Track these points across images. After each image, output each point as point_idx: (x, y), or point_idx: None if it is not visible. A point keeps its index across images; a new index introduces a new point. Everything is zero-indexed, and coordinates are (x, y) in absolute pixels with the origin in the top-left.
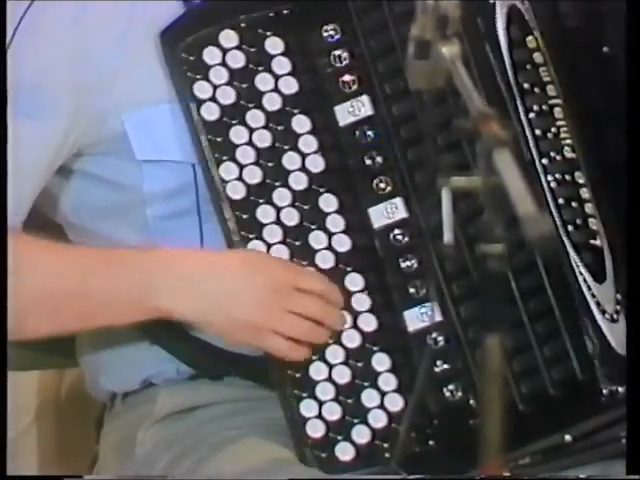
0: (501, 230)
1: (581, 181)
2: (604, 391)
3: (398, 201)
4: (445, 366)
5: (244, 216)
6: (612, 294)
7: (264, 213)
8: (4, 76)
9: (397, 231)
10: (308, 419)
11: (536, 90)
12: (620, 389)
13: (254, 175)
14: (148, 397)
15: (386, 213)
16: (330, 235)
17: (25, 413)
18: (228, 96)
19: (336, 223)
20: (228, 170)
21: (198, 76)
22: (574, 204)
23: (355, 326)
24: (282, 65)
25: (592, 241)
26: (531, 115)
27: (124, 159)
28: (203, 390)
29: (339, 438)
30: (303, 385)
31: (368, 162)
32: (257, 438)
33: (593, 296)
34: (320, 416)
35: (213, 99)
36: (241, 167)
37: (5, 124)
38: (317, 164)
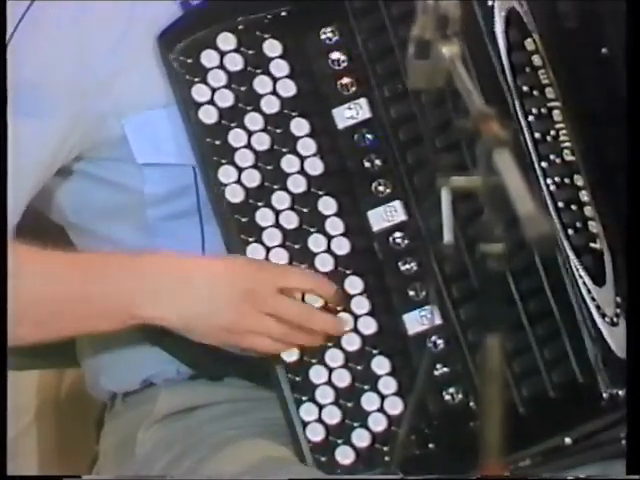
0: (501, 230)
1: (580, 184)
2: (604, 394)
3: (397, 204)
4: (445, 369)
5: (243, 219)
6: (612, 297)
7: (263, 216)
8: (4, 76)
9: (396, 234)
10: (308, 423)
11: (535, 93)
12: (620, 392)
13: (253, 178)
14: (148, 397)
15: (385, 216)
16: (329, 238)
17: (25, 413)
18: (226, 99)
19: (335, 226)
20: (227, 173)
21: (196, 79)
22: (574, 207)
23: (355, 329)
24: (280, 68)
25: (592, 244)
26: (530, 118)
27: (125, 162)
28: (203, 390)
29: (339, 442)
30: (303, 389)
31: (367, 165)
32: (257, 438)
33: (593, 299)
34: (320, 420)
35: (211, 102)
36: (240, 170)
37: (5, 124)
38: (316, 167)
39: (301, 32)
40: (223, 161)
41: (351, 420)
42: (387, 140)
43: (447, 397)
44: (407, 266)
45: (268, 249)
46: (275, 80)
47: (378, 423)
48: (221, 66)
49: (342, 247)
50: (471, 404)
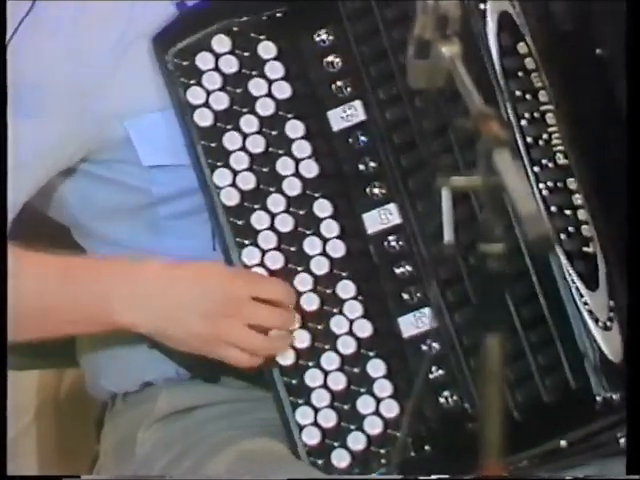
0: (501, 230)
1: (574, 187)
2: (598, 398)
3: (392, 207)
4: (440, 372)
5: (238, 222)
6: (605, 301)
7: (258, 219)
8: (4, 76)
9: (391, 237)
10: (304, 426)
11: (527, 97)
12: (614, 396)
13: (248, 181)
14: (148, 396)
15: (380, 219)
16: (325, 241)
17: (25, 413)
18: (221, 101)
19: (330, 229)
20: (222, 176)
21: (191, 82)
22: (567, 211)
23: (350, 332)
24: (275, 70)
25: (585, 248)
26: (522, 122)
27: (130, 163)
28: (203, 390)
29: (335, 445)
30: (299, 392)
31: (362, 167)
32: (256, 437)
33: (586, 304)
34: (316, 423)
35: (206, 105)
36: (235, 173)
37: (5, 124)
38: (311, 169)
39: (296, 34)
40: (218, 164)
41: (347, 423)
42: (382, 142)
43: (442, 400)
44: (402, 269)
45: (263, 252)
46: (270, 82)
47: (374, 426)
48: (216, 68)
49: (337, 250)
50: (466, 406)
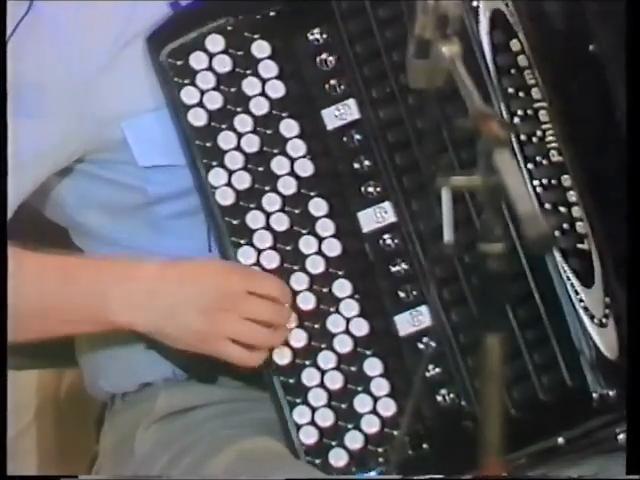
0: (501, 230)
1: (568, 184)
2: (594, 395)
3: (387, 205)
4: (437, 370)
5: (234, 222)
6: (601, 298)
7: (254, 219)
8: (4, 76)
9: (387, 235)
10: (301, 426)
11: (521, 94)
12: (611, 393)
13: (243, 180)
14: (148, 396)
15: (375, 217)
16: (320, 240)
17: (25, 412)
18: (215, 101)
19: (326, 227)
20: (217, 176)
21: (185, 81)
22: (561, 208)
23: (347, 331)
24: (269, 69)
25: (579, 245)
26: (516, 120)
27: (127, 164)
28: (201, 391)
29: (332, 444)
30: (296, 391)
31: (356, 166)
32: (255, 437)
33: (581, 301)
34: (313, 422)
35: (200, 104)
36: (230, 173)
37: (5, 124)
38: (306, 168)
39: (289, 33)
40: (213, 163)
41: (344, 422)
42: (376, 141)
43: (439, 398)
44: (398, 267)
45: (259, 251)
46: (264, 81)
47: (371, 425)
48: (210, 68)
49: (333, 249)
50: (463, 404)
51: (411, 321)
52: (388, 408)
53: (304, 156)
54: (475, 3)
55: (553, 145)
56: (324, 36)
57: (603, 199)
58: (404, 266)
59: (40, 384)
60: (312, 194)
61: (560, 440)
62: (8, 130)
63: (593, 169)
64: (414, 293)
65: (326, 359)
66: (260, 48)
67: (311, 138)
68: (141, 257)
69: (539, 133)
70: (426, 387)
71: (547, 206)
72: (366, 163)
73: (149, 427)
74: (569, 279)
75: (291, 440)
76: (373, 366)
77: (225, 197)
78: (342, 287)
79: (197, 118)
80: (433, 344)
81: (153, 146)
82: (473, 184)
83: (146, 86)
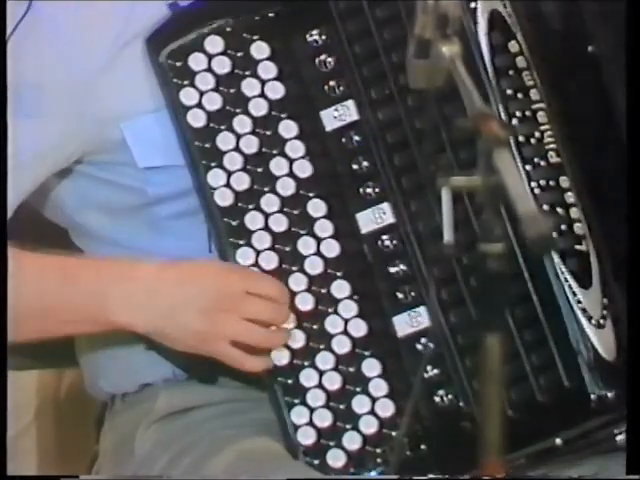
0: (500, 230)
1: (566, 185)
2: (592, 396)
3: (385, 206)
4: (435, 371)
5: (233, 223)
6: (599, 299)
7: (252, 219)
8: (4, 76)
9: (385, 236)
10: (299, 426)
11: (519, 95)
12: (609, 394)
13: (242, 181)
14: (148, 396)
15: (374, 218)
16: (319, 241)
17: (25, 412)
18: (214, 102)
19: (324, 228)
20: (216, 177)
21: (184, 82)
22: (559, 210)
23: (345, 332)
24: (268, 70)
25: (577, 246)
26: (514, 121)
27: (127, 165)
28: (201, 391)
29: (331, 445)
30: (294, 392)
31: (355, 167)
32: (255, 437)
33: (579, 302)
34: (311, 423)
35: (199, 105)
36: (229, 173)
37: (5, 124)
38: (305, 169)
39: (288, 34)
40: (212, 164)
41: (342, 423)
42: (375, 142)
43: (437, 399)
44: (396, 268)
45: (258, 252)
46: (263, 82)
47: (369, 425)
48: (209, 69)
49: (331, 250)
50: (461, 404)
51: (409, 322)
52: (386, 409)
53: (303, 157)
54: (473, 4)
55: (551, 146)
56: (323, 37)
57: (601, 200)
58: (402, 267)
59: (40, 384)
60: (311, 195)
61: (558, 441)
62: (8, 130)
63: (591, 170)
64: (412, 294)
65: (324, 360)
66: (259, 49)
67: (310, 139)
68: (141, 258)
69: (537, 134)
70: (424, 388)
71: (545, 207)
72: (365, 164)
73: (149, 427)
74: (567, 280)
75: (289, 441)
76: (371, 367)
77: (224, 198)
78: (340, 288)
79: (196, 119)
80: (431, 345)
81: (152, 147)
82: (473, 184)
83: (145, 87)
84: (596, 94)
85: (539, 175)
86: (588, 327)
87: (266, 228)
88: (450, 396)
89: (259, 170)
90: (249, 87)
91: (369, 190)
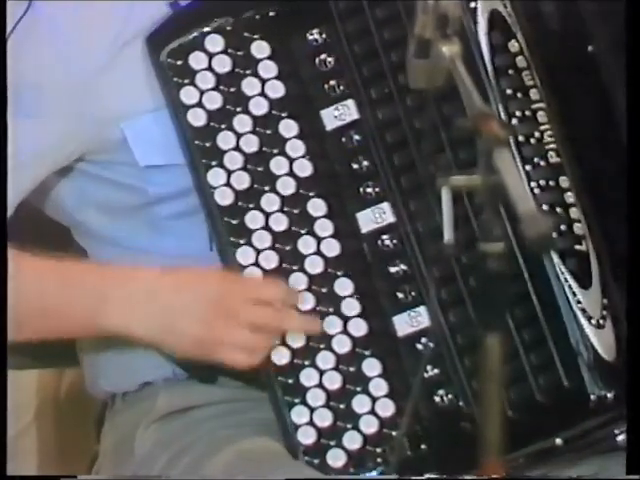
0: (500, 230)
1: (566, 185)
2: (592, 396)
3: (385, 206)
4: (435, 371)
5: (233, 222)
6: (598, 299)
7: (253, 219)
8: (4, 76)
9: (385, 236)
10: (299, 426)
11: (519, 95)
12: (608, 394)
13: (242, 181)
14: (148, 395)
15: (374, 218)
16: (319, 240)
17: (25, 412)
18: (215, 101)
19: (325, 228)
20: (216, 176)
21: (185, 81)
22: (558, 210)
23: (345, 331)
24: (268, 69)
25: (577, 246)
26: (514, 121)
27: (127, 165)
28: (201, 390)
29: (331, 444)
30: (294, 391)
31: (355, 166)
32: (254, 437)
33: (579, 302)
34: (311, 422)
35: (200, 104)
36: (229, 173)
37: (5, 124)
38: (305, 169)
39: (288, 33)
40: (212, 163)
41: (342, 422)
42: (375, 141)
43: (437, 399)
44: (396, 268)
45: (258, 251)
46: (263, 81)
47: (369, 425)
48: (209, 68)
49: (331, 249)
50: (461, 404)
51: (409, 322)
52: (386, 408)
53: (303, 156)
54: (473, 4)
55: (551, 146)
56: (323, 36)
57: (601, 200)
58: (402, 267)
59: (40, 384)
60: (311, 194)
61: (558, 441)
62: (8, 130)
63: (591, 170)
64: (412, 294)
65: (325, 359)
66: (259, 48)
67: (310, 138)
68: (141, 257)
69: (537, 134)
70: (424, 388)
71: (545, 207)
72: (365, 163)
73: (149, 427)
74: (567, 280)
75: (289, 440)
76: (372, 366)
77: (224, 197)
78: (341, 287)
79: (196, 118)
80: (431, 345)
81: (153, 146)
82: (473, 184)
83: (145, 86)
84: (596, 94)
85: (539, 175)
86: (588, 327)
87: (266, 227)
88: (450, 396)
89: (259, 169)
90: (249, 86)
91: (369, 189)
